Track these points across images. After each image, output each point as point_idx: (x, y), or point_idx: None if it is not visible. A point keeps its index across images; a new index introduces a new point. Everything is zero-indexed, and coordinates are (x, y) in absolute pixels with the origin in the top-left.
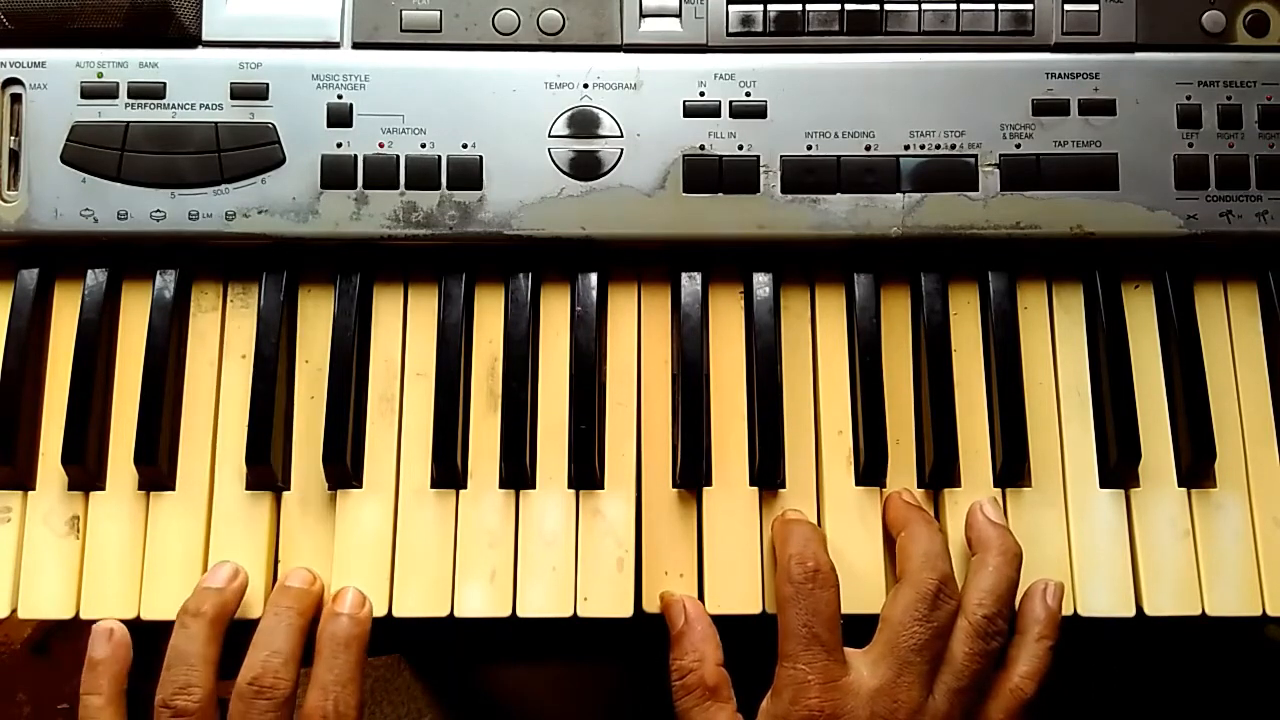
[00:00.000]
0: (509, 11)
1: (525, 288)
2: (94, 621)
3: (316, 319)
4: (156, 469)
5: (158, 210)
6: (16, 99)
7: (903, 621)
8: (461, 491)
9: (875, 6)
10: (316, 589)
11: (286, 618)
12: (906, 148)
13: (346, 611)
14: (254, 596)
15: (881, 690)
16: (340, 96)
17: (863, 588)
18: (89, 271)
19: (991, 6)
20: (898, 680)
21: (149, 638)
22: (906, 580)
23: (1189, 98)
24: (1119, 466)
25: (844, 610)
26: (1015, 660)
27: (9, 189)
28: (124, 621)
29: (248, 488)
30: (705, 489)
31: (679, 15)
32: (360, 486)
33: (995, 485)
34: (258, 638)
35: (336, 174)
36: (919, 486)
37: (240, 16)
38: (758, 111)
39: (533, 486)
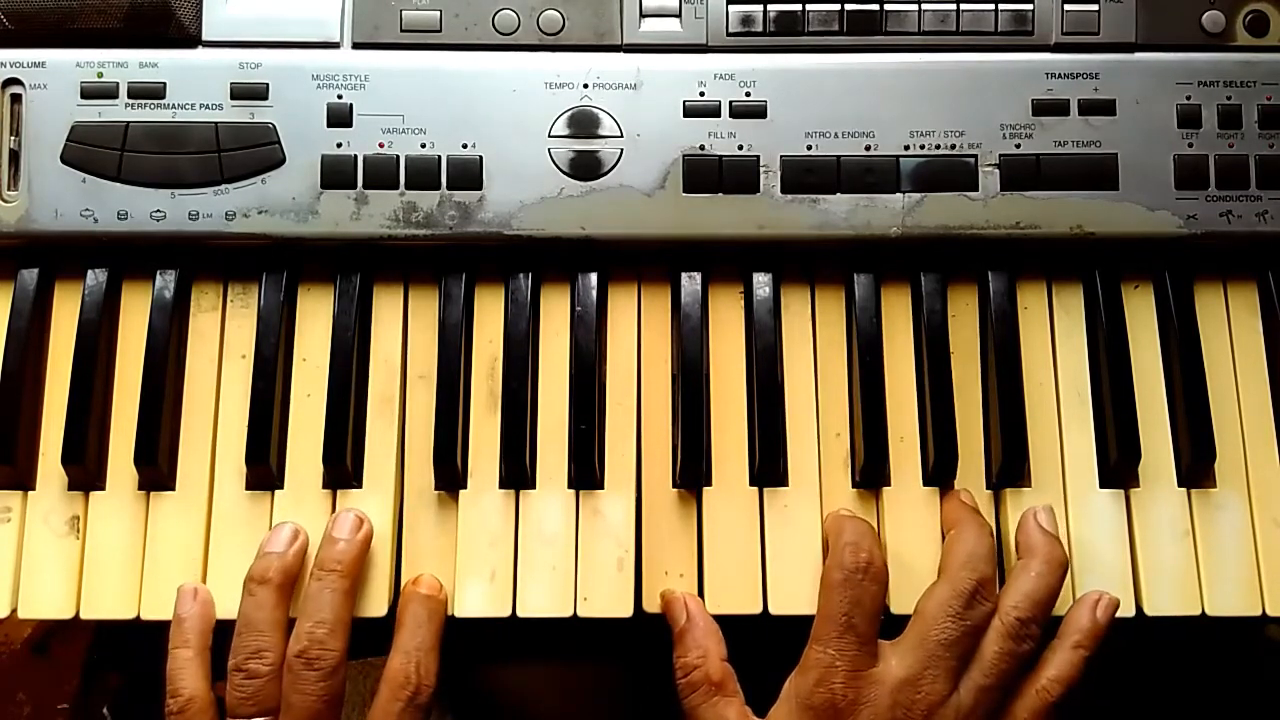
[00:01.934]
0: (509, 11)
1: (525, 288)
2: (94, 621)
3: (316, 319)
4: (156, 469)
5: (158, 210)
6: (16, 99)
7: (935, 616)
8: (462, 491)
9: (875, 6)
10: (361, 537)
11: (329, 582)
12: (906, 148)
13: (425, 591)
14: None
15: (907, 681)
16: (340, 96)
17: None
18: (89, 271)
19: (991, 6)
20: (924, 672)
21: (152, 638)
22: (945, 576)
23: (1189, 98)
24: (1119, 466)
25: None
26: (1047, 663)
27: (9, 189)
28: (124, 621)
29: (248, 487)
30: (705, 489)
31: (679, 15)
32: (360, 486)
33: (995, 485)
34: (303, 606)
35: (336, 174)
36: (919, 486)
37: (240, 16)
38: (758, 111)
39: (533, 486)
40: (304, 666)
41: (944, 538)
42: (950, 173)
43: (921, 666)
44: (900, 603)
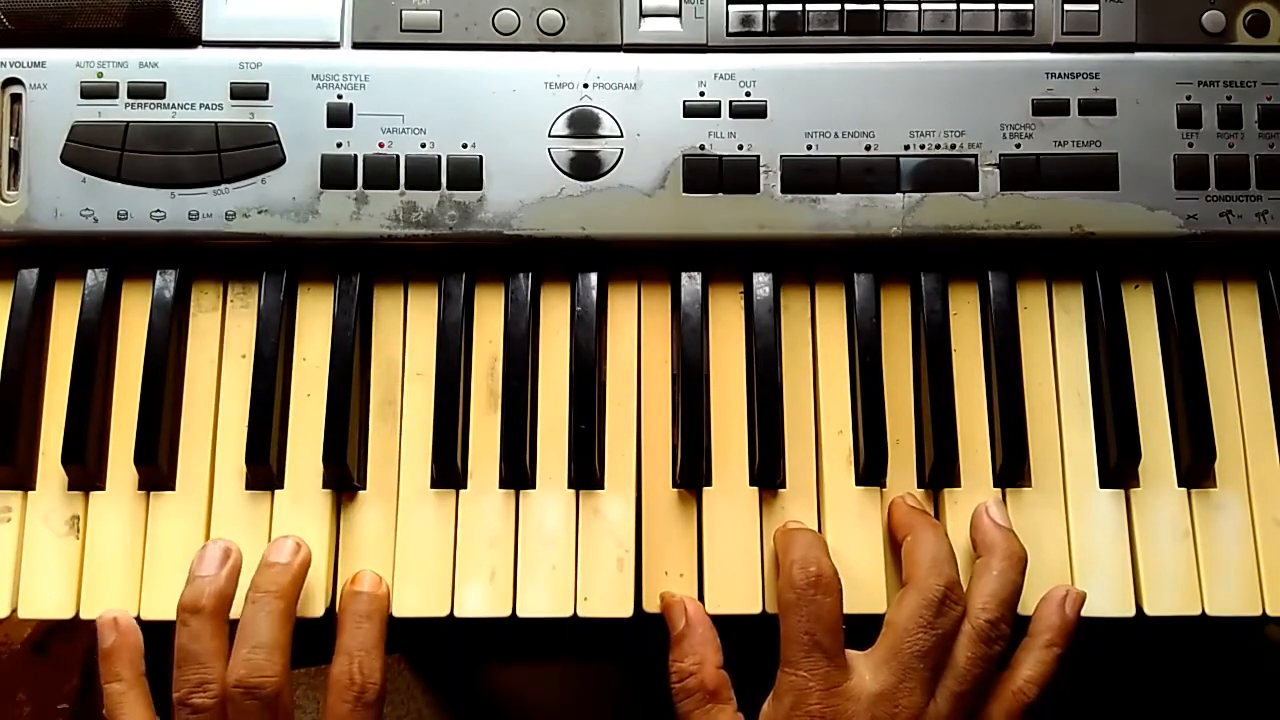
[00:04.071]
0: (509, 11)
1: (525, 288)
2: (94, 621)
3: (316, 319)
4: (156, 469)
5: (158, 210)
6: (16, 99)
7: (907, 628)
8: (461, 491)
9: (875, 6)
10: (299, 562)
11: (265, 605)
12: (906, 148)
13: (366, 590)
14: None
15: (883, 695)
16: (340, 96)
17: (863, 588)
18: (89, 271)
19: (991, 6)
20: (900, 685)
21: (153, 638)
22: (913, 586)
23: (1189, 98)
24: (1119, 466)
25: (844, 611)
26: (1021, 663)
27: (9, 189)
28: None
29: (247, 487)
30: (705, 489)
31: (679, 15)
32: (360, 486)
33: (995, 485)
34: (239, 632)
35: (336, 174)
36: (919, 486)
37: (240, 16)
38: (758, 111)
39: (533, 486)
40: (244, 695)
41: (892, 544)
42: (950, 173)
43: (897, 680)
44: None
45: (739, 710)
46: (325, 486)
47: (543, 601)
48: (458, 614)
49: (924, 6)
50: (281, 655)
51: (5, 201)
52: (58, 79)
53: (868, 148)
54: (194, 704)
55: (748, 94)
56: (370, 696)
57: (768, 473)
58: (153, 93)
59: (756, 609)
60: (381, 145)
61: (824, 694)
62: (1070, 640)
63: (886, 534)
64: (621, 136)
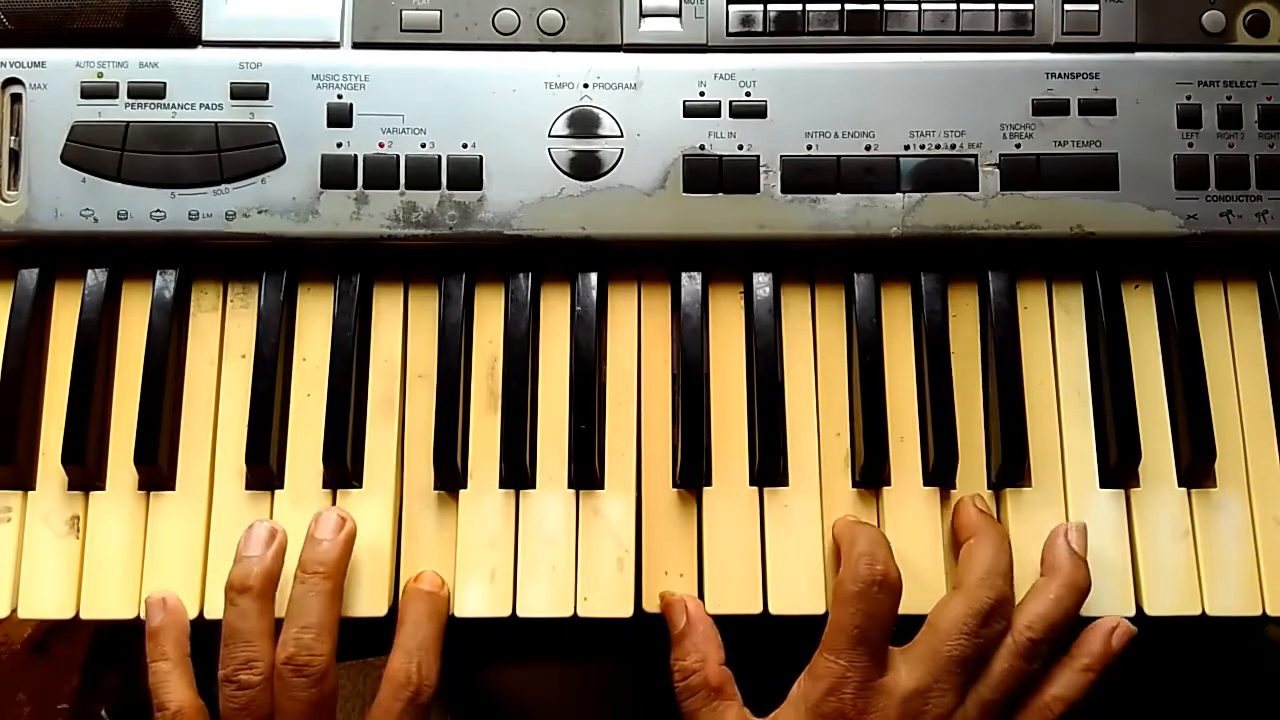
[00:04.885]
0: (509, 11)
1: (525, 288)
2: (94, 621)
3: (316, 319)
4: (156, 469)
5: (158, 210)
6: (16, 99)
7: (949, 631)
8: (462, 491)
9: (875, 6)
10: (344, 537)
11: (314, 584)
12: (906, 148)
13: (426, 588)
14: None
15: (916, 692)
16: (340, 96)
17: None
18: (89, 271)
19: (991, 6)
20: (934, 686)
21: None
22: (962, 591)
23: (1189, 98)
24: (1119, 466)
25: None
26: (1054, 679)
27: (9, 189)
28: (124, 621)
29: (248, 487)
30: (705, 489)
31: (679, 15)
32: (360, 486)
33: (995, 485)
34: (289, 611)
35: (336, 174)
36: (921, 486)
37: (240, 16)
38: (758, 111)
39: (533, 486)
40: (293, 673)
41: (954, 542)
42: (950, 173)
43: (932, 679)
44: (902, 603)
45: (745, 706)
46: (325, 486)
47: (543, 601)
48: (458, 614)
49: (924, 6)
50: (330, 636)
51: (5, 201)
52: (58, 79)
53: (868, 148)
54: (240, 680)
55: (748, 94)
56: (424, 699)
57: (768, 472)
58: (153, 93)
59: (757, 608)
60: (381, 145)
61: (859, 687)
62: (1105, 670)
63: (888, 533)
64: (621, 136)
